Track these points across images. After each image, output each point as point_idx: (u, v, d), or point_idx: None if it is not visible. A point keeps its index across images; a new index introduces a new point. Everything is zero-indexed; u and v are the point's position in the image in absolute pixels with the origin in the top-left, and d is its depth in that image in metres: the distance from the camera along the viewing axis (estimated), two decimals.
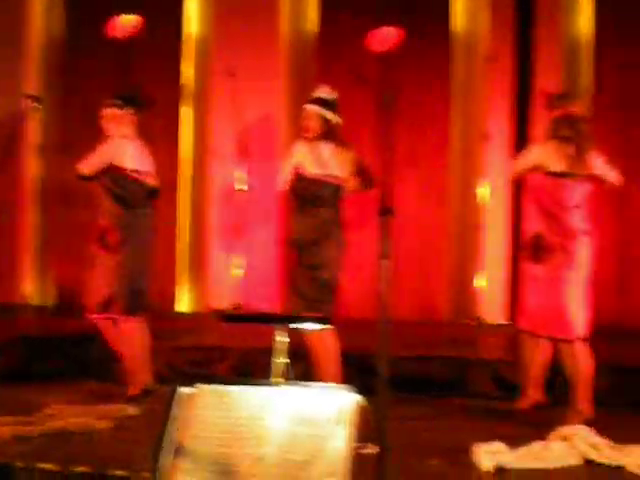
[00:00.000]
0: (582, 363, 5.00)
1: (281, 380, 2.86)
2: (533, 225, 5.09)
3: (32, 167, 8.74)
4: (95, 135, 8.12)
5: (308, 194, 5.16)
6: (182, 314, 8.43)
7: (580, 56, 8.03)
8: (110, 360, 5.91)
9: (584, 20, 8.03)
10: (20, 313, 8.17)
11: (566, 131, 5.03)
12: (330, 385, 2.86)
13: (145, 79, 8.15)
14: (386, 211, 3.54)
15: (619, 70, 7.90)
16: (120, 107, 5.52)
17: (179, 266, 8.52)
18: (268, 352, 5.75)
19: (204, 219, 8.65)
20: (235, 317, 4.28)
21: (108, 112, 5.51)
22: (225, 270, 8.47)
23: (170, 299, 8.43)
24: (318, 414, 2.69)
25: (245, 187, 8.04)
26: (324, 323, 3.28)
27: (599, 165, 5.11)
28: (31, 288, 8.84)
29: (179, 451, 2.75)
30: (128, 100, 5.57)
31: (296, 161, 5.22)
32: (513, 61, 8.17)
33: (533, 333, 5.17)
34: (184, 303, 8.57)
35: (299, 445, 2.67)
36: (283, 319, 2.93)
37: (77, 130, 8.30)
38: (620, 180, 5.23)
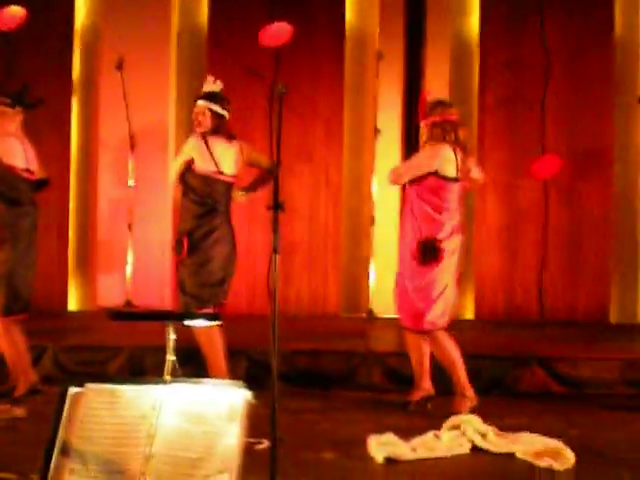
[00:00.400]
0: (447, 352, 5.18)
1: (172, 378, 2.83)
2: (427, 229, 5.20)
3: None
4: None
5: (199, 190, 5.13)
6: (72, 313, 8.24)
7: (468, 54, 8.22)
8: None
9: (472, 19, 8.23)
10: None
11: (451, 136, 5.18)
12: (221, 382, 2.85)
13: (34, 72, 7.98)
14: (276, 206, 3.54)
15: (505, 68, 8.10)
16: (10, 106, 5.36)
17: (71, 264, 8.32)
18: (159, 350, 5.73)
19: (94, 215, 8.48)
20: (125, 315, 4.21)
21: None
22: (115, 268, 8.36)
23: (62, 298, 8.23)
24: (209, 411, 2.69)
25: (133, 182, 7.95)
26: (213, 319, 3.25)
27: (474, 167, 5.29)
28: None
29: (69, 452, 2.71)
30: (17, 99, 5.41)
31: (188, 157, 5.19)
32: (403, 58, 8.32)
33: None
34: (74, 301, 8.38)
35: (191, 442, 2.66)
36: (172, 316, 2.90)
37: None
38: (484, 178, 5.53)
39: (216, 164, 5.14)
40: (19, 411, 4.98)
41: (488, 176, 7.76)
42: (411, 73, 8.36)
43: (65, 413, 2.77)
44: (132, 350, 5.99)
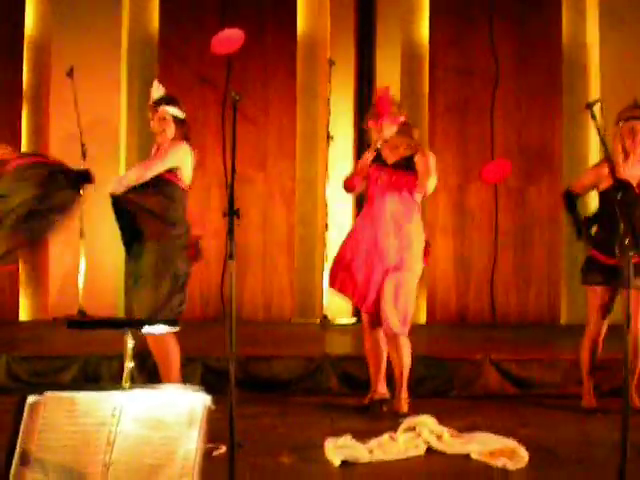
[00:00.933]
0: (408, 355, 5.24)
1: (130, 384, 2.84)
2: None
3: None
4: None
5: (169, 204, 4.88)
6: (24, 322, 8.18)
7: (418, 60, 8.33)
8: None
9: (422, 26, 8.34)
10: None
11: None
12: (180, 387, 2.87)
13: None
14: (232, 212, 3.56)
15: (454, 74, 8.22)
16: None
17: (22, 273, 8.23)
18: (113, 359, 5.71)
19: None
20: (82, 324, 4.20)
21: None
22: (67, 277, 8.31)
23: (13, 307, 8.15)
24: (169, 416, 2.71)
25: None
26: (171, 325, 3.26)
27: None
28: None
29: (28, 461, 2.71)
30: None
31: (174, 164, 4.85)
32: (354, 64, 8.41)
33: (372, 328, 5.33)
34: (25, 311, 8.31)
35: (150, 449, 2.68)
36: (130, 323, 2.91)
37: None
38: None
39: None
40: None
41: (439, 180, 7.92)
42: (362, 79, 8.46)
43: (23, 422, 2.77)
44: (86, 359, 5.95)
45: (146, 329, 3.03)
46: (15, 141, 8.08)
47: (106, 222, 8.26)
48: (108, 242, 8.26)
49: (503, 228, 8.17)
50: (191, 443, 2.66)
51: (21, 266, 8.05)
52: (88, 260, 8.06)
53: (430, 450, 4.41)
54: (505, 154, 7.92)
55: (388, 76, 8.21)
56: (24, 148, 8.26)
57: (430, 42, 8.33)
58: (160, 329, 3.52)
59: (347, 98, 8.39)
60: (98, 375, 5.85)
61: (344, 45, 8.41)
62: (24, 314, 8.31)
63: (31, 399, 2.80)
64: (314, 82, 8.37)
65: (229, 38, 7.71)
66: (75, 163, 7.81)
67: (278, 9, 8.42)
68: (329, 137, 8.04)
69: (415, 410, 4.94)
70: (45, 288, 8.45)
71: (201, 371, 5.84)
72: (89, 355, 6.01)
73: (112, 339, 6.79)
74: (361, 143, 8.27)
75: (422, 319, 8.11)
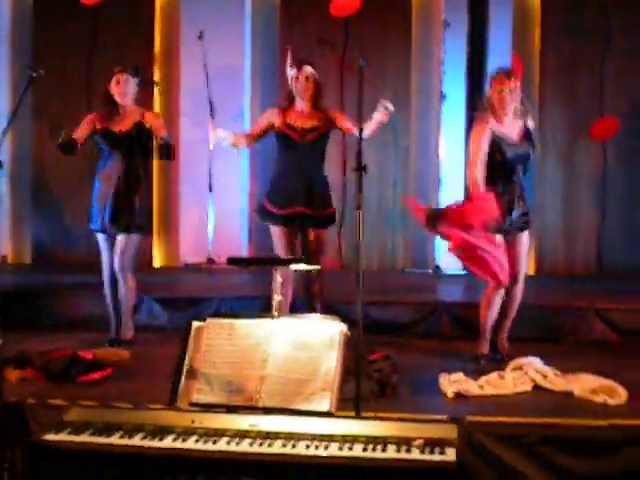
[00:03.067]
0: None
1: (279, 314, 3.34)
2: None
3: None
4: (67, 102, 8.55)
5: None
6: (157, 269, 8.87)
7: (529, 20, 8.52)
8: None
9: None
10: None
11: None
12: (321, 317, 3.35)
13: (118, 43, 8.53)
14: (360, 167, 3.99)
15: (565, 32, 8.38)
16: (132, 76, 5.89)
17: (156, 224, 8.82)
18: (243, 299, 6.24)
19: (175, 178, 9.03)
20: (241, 260, 4.70)
21: None
22: (196, 227, 8.92)
23: (148, 255, 8.80)
24: (313, 340, 3.21)
25: (212, 147, 8.41)
26: (313, 264, 3.71)
27: None
28: (8, 247, 9.22)
29: (195, 374, 3.24)
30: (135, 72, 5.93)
31: None
32: (467, 26, 8.65)
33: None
34: (158, 258, 8.98)
35: (297, 366, 3.18)
36: (280, 261, 3.40)
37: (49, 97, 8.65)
38: None
39: None
40: (124, 353, 5.58)
41: (549, 137, 8.16)
42: (475, 40, 8.69)
43: (190, 343, 3.30)
44: (219, 300, 6.52)
45: (293, 266, 3.52)
46: (148, 100, 8.69)
47: (232, 175, 8.91)
48: (234, 195, 8.87)
49: (611, 184, 8.33)
50: (331, 362, 3.15)
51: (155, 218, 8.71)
52: (216, 213, 8.63)
53: (536, 387, 4.75)
54: (615, 112, 8.07)
55: (500, 36, 8.46)
56: (156, 107, 8.87)
57: (542, 1, 8.47)
58: (304, 266, 3.98)
59: (460, 58, 8.64)
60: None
61: (458, 6, 8.63)
62: (157, 261, 8.98)
63: (196, 324, 3.34)
64: (428, 43, 8.65)
65: (346, 1, 8.12)
66: (203, 119, 8.45)
67: None
68: (442, 96, 8.35)
69: (523, 353, 5.18)
70: (176, 238, 9.08)
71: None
72: (221, 297, 6.60)
73: (238, 284, 7.45)
74: (473, 101, 8.55)
75: (530, 270, 8.39)
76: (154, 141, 5.90)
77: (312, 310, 5.55)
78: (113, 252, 5.89)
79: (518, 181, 5.37)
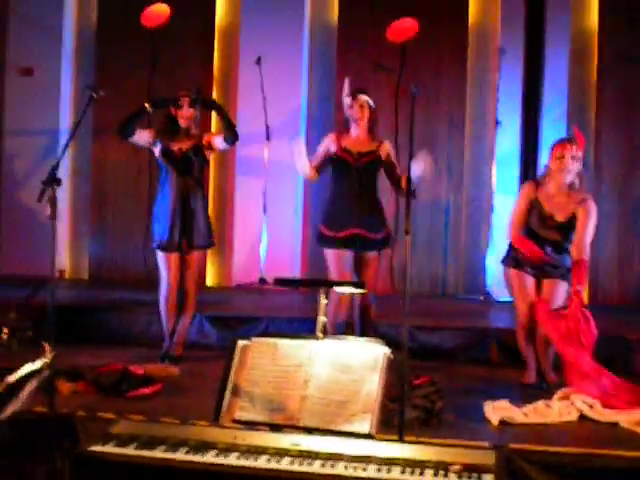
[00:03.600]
0: None
1: (323, 335, 3.39)
2: None
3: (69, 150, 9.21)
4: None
5: None
6: (210, 288, 8.98)
7: (587, 48, 8.50)
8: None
9: (591, 13, 8.50)
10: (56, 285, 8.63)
11: None
12: (365, 339, 3.40)
13: (177, 65, 8.72)
14: (409, 192, 4.04)
15: (623, 61, 8.33)
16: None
17: None
18: (293, 320, 6.31)
19: (231, 199, 9.17)
20: (287, 281, 4.78)
21: None
22: (250, 248, 9.04)
23: (202, 274, 8.90)
24: (355, 362, 3.25)
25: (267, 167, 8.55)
26: (359, 288, 3.77)
27: None
28: (66, 262, 9.43)
29: (238, 392, 3.31)
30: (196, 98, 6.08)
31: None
32: (524, 53, 8.67)
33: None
34: (211, 278, 9.11)
35: (339, 388, 3.23)
36: (325, 283, 3.46)
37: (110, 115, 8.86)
38: None
39: None
40: (174, 369, 5.68)
41: (605, 167, 8.09)
42: (531, 67, 8.70)
43: (235, 361, 3.37)
44: (269, 320, 6.62)
45: (337, 289, 3.57)
46: (205, 122, 8.84)
47: (285, 199, 9.01)
48: (288, 217, 8.96)
49: None
50: (373, 385, 3.19)
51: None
52: (269, 234, 8.73)
53: (582, 417, 4.73)
54: None
55: (557, 64, 8.45)
56: (213, 128, 9.02)
57: (599, 29, 8.43)
58: (350, 289, 4.04)
59: (515, 85, 8.66)
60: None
61: (514, 33, 8.65)
62: (210, 280, 9.11)
63: (241, 343, 3.40)
64: (484, 70, 8.69)
65: (404, 27, 8.17)
66: (260, 142, 8.58)
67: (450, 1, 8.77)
68: (497, 122, 8.37)
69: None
70: (229, 257, 9.21)
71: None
72: (271, 317, 6.69)
73: (288, 304, 7.52)
74: (528, 128, 8.56)
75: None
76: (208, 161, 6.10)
77: (364, 335, 5.61)
78: (174, 269, 6.01)
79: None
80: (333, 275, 5.63)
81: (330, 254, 5.74)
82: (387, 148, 5.90)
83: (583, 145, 5.36)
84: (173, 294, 6.04)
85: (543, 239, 5.43)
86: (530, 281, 5.47)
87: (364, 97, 5.77)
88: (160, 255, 6.03)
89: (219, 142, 6.05)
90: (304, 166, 5.77)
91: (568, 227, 5.39)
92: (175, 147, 5.99)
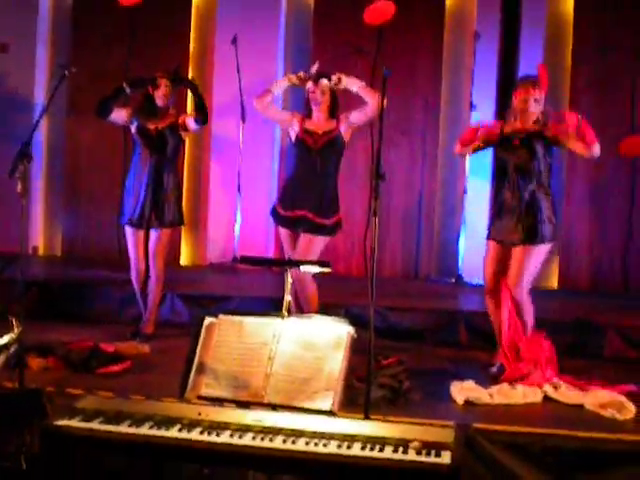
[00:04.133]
0: None
1: (288, 314, 3.43)
2: None
3: (44, 126, 9.21)
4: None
5: None
6: (184, 267, 9.01)
7: (562, 35, 8.53)
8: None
9: (567, 1, 8.54)
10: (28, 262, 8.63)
11: None
12: (329, 318, 3.44)
13: (154, 44, 8.70)
14: (378, 175, 4.07)
15: (597, 48, 8.37)
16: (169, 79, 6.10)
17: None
18: (262, 300, 6.33)
19: (206, 178, 9.17)
20: (251, 260, 4.79)
21: None
22: (224, 227, 9.06)
23: (176, 253, 8.93)
24: (319, 340, 3.30)
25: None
26: (325, 267, 3.80)
27: None
28: (40, 238, 9.41)
29: (204, 369, 3.35)
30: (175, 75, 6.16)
31: None
32: (499, 38, 8.70)
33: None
34: (185, 257, 9.13)
35: (303, 365, 3.28)
36: (290, 263, 3.50)
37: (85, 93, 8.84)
38: None
39: None
40: (145, 347, 5.71)
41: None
42: (506, 52, 8.73)
43: (201, 339, 3.41)
44: (241, 299, 6.66)
45: (303, 268, 3.61)
46: (181, 101, 8.82)
47: (260, 178, 9.03)
48: (262, 197, 8.98)
49: (639, 199, 8.34)
50: (336, 363, 3.24)
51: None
52: (243, 213, 8.75)
53: (547, 399, 4.81)
54: None
55: (532, 49, 8.48)
56: (188, 108, 9.01)
57: (575, 16, 8.46)
58: (315, 269, 4.07)
59: (490, 69, 8.69)
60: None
61: (490, 18, 8.67)
62: (184, 259, 9.12)
63: (207, 320, 3.44)
64: (460, 53, 8.71)
65: (381, 9, 8.17)
66: (235, 122, 8.59)
67: None
68: (472, 106, 8.41)
69: None
70: (203, 236, 9.23)
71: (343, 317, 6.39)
72: (242, 296, 6.72)
73: (260, 284, 7.56)
74: (503, 112, 8.59)
75: (553, 284, 8.42)
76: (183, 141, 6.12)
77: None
78: (142, 246, 6.04)
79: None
80: (285, 253, 5.74)
81: (281, 231, 5.85)
82: (345, 117, 5.83)
83: (546, 86, 5.37)
84: (142, 271, 6.08)
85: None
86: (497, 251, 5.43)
87: (325, 82, 5.77)
88: (128, 232, 6.07)
89: (191, 122, 6.09)
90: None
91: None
92: (151, 126, 6.02)
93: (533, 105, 5.32)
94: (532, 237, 5.27)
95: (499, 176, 5.51)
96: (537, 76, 5.41)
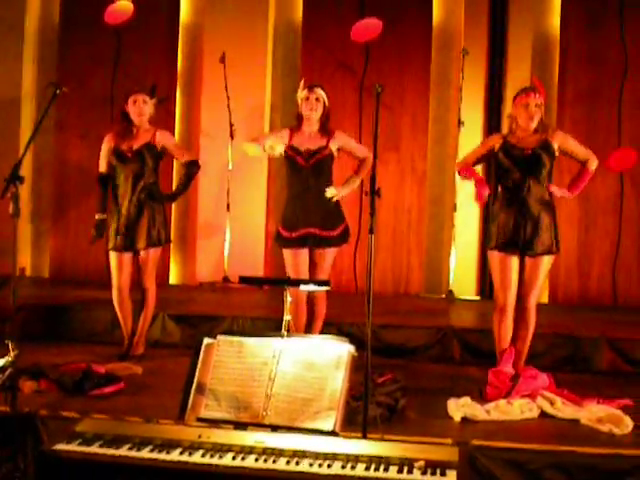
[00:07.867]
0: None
1: (288, 333, 3.40)
2: None
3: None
4: (90, 118, 8.71)
5: None
6: (173, 286, 8.95)
7: (548, 50, 8.59)
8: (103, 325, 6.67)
9: (553, 17, 8.59)
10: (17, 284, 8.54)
11: None
12: (329, 337, 3.41)
13: (141, 64, 8.67)
14: (373, 192, 4.06)
15: (584, 63, 8.45)
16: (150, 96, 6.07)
17: (173, 242, 8.91)
18: (256, 319, 6.27)
19: (195, 197, 9.12)
20: (251, 280, 4.75)
21: None
22: (213, 246, 9.02)
23: (164, 272, 8.90)
24: (319, 360, 3.27)
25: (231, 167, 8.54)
26: (323, 286, 3.78)
27: None
28: (27, 260, 9.34)
29: (203, 390, 3.31)
30: (152, 93, 6.10)
31: None
32: (486, 54, 8.75)
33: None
34: (175, 276, 9.07)
35: (304, 385, 3.24)
36: (289, 282, 3.47)
37: (72, 112, 8.82)
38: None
39: None
40: (137, 368, 5.66)
41: (565, 168, 8.16)
42: (494, 69, 8.79)
43: (200, 359, 3.37)
44: (232, 318, 6.61)
45: (302, 287, 3.58)
46: (169, 120, 8.82)
47: (249, 197, 9.01)
48: (251, 216, 8.95)
49: (627, 215, 8.36)
50: (337, 382, 3.21)
51: (172, 235, 8.82)
52: (233, 232, 8.72)
53: (543, 415, 4.79)
54: (632, 143, 8.11)
55: (519, 65, 8.53)
56: (177, 127, 9.02)
57: (561, 31, 8.52)
58: (314, 287, 4.05)
59: (478, 86, 8.73)
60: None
61: (477, 35, 8.73)
62: (173, 278, 9.07)
63: (207, 341, 3.41)
64: (447, 70, 8.73)
65: (368, 27, 8.22)
66: (224, 141, 8.57)
67: (415, 1, 8.78)
68: (460, 122, 8.43)
69: None
70: (193, 256, 9.18)
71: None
72: (234, 315, 6.67)
73: (251, 303, 7.52)
74: (490, 128, 8.64)
75: (544, 299, 8.41)
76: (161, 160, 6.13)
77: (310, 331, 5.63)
78: (126, 270, 6.02)
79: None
80: (290, 273, 5.62)
81: (286, 253, 5.70)
82: (340, 138, 5.78)
83: (544, 93, 5.47)
84: (124, 295, 6.05)
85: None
86: (514, 264, 5.45)
87: (319, 90, 5.70)
88: (112, 256, 6.04)
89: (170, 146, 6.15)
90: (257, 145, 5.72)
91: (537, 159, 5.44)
92: (126, 147, 5.97)
93: (534, 110, 5.38)
94: (546, 247, 5.42)
95: (505, 186, 5.51)
96: (534, 85, 5.53)
